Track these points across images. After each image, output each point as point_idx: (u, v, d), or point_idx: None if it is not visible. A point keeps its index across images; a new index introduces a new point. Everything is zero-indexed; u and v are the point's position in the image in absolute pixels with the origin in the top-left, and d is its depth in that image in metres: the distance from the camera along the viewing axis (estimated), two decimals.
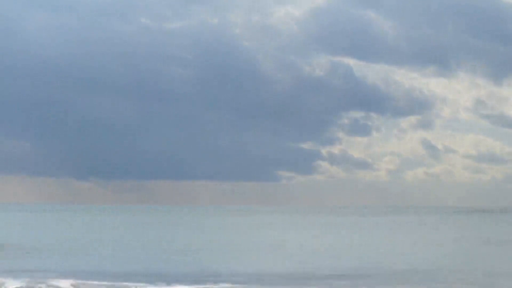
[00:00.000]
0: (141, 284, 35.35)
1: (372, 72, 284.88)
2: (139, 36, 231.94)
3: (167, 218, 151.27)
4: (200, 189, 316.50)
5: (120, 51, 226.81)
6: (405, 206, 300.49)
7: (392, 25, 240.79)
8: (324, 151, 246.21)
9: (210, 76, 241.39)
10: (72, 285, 35.09)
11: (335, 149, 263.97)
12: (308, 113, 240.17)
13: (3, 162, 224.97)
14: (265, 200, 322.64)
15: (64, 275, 38.44)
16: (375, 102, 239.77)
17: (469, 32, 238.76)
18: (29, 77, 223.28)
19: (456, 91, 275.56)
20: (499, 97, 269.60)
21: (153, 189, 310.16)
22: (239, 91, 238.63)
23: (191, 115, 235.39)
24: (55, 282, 35.42)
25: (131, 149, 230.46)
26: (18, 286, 34.86)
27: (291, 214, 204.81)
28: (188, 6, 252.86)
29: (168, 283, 35.65)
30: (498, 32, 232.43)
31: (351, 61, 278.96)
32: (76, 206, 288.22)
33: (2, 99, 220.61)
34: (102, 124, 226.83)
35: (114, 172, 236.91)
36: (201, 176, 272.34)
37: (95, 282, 35.84)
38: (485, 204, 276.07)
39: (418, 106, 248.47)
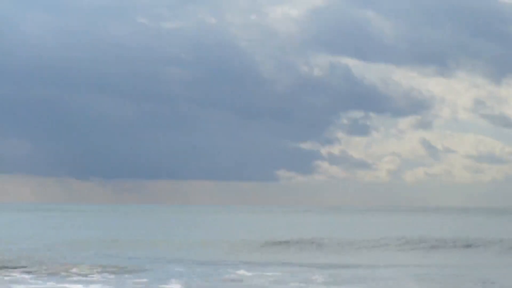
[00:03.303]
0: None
1: (371, 72, 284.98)
2: (136, 36, 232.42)
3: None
4: (200, 189, 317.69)
5: (118, 51, 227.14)
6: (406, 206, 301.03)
7: (391, 25, 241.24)
8: (323, 151, 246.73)
9: (208, 76, 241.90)
10: None
11: (335, 149, 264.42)
12: (307, 113, 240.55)
13: (3, 162, 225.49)
14: (264, 200, 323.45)
15: None
16: (374, 102, 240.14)
17: (468, 31, 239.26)
18: (29, 77, 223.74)
19: (456, 91, 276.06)
20: (499, 97, 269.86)
21: (153, 189, 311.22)
22: (237, 91, 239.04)
23: (190, 115, 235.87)
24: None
25: (131, 149, 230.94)
26: None
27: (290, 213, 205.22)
28: (185, 6, 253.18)
29: None
30: (498, 32, 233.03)
31: (350, 61, 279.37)
32: (78, 206, 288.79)
33: (1, 99, 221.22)
34: (102, 124, 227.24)
35: (114, 171, 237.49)
36: (201, 176, 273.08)
37: None
38: (485, 204, 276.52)
39: (417, 106, 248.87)
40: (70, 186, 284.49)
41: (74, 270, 39.06)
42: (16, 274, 37.74)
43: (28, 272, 38.02)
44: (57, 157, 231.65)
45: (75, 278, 35.68)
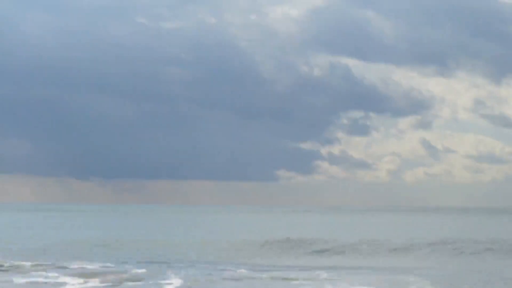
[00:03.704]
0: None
1: (371, 72, 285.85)
2: (136, 36, 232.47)
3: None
4: (200, 189, 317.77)
5: (118, 51, 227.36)
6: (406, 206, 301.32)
7: (391, 25, 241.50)
8: (323, 151, 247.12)
9: (208, 76, 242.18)
10: None
11: (335, 149, 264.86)
12: (307, 113, 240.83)
13: (3, 162, 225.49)
14: (264, 200, 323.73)
15: None
16: (374, 102, 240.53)
17: (468, 32, 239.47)
18: (29, 77, 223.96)
19: (455, 91, 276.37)
20: (499, 97, 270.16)
21: (153, 189, 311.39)
22: (237, 91, 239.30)
23: (190, 115, 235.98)
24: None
25: (131, 149, 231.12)
26: None
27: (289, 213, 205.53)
28: (185, 6, 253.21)
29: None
30: (498, 32, 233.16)
31: (350, 61, 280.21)
32: (78, 206, 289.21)
33: (2, 99, 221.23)
34: (102, 124, 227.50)
35: (114, 171, 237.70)
36: (201, 176, 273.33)
37: None
38: (485, 204, 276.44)
39: (417, 106, 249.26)
40: (70, 186, 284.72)
41: (75, 263, 39.28)
42: (17, 263, 38.05)
43: (30, 265, 38.18)
44: (57, 157, 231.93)
45: (76, 272, 35.82)
